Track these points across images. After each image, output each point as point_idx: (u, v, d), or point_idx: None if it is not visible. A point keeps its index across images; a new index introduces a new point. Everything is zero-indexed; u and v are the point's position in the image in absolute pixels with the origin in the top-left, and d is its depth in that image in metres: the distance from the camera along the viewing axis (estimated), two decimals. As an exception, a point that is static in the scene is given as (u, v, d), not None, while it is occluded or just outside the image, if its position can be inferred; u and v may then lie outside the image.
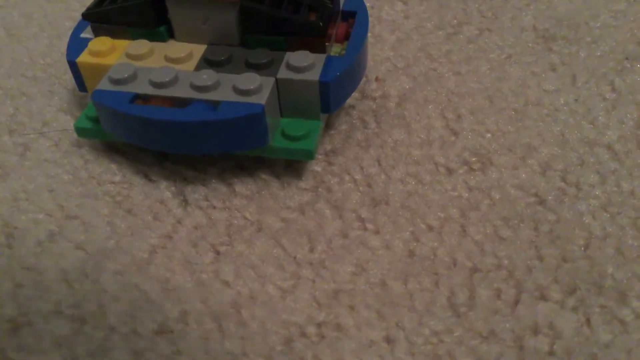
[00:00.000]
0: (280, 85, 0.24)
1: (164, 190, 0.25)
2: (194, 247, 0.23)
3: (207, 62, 0.25)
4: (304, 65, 0.24)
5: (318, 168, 0.26)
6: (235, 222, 0.24)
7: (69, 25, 0.34)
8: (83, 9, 0.35)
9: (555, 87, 0.30)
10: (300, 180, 0.26)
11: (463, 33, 0.33)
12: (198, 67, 0.25)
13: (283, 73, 0.24)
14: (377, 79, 0.30)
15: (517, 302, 0.21)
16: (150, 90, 0.24)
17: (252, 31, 0.25)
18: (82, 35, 0.26)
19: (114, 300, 0.21)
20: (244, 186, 0.25)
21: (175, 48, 0.25)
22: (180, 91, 0.24)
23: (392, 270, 0.22)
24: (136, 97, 0.24)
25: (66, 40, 0.29)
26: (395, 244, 0.23)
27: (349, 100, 0.28)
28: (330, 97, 0.24)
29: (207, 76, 0.24)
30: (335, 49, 0.26)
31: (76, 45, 0.26)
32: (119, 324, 0.21)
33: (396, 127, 0.28)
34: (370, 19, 0.27)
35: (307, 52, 0.24)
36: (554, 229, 0.24)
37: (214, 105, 0.23)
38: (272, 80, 0.24)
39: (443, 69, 0.31)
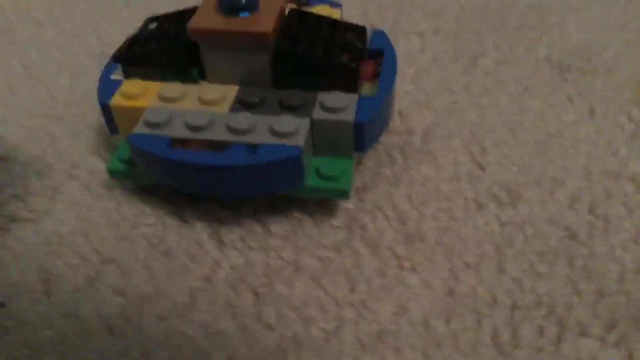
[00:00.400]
0: (315, 126, 0.24)
1: (200, 231, 0.25)
2: (233, 289, 0.23)
3: (241, 104, 0.25)
4: (339, 106, 0.24)
5: (350, 205, 0.26)
6: (272, 262, 0.24)
7: (88, 63, 0.34)
8: (102, 46, 0.35)
9: (574, 119, 0.30)
10: (333, 218, 0.26)
11: (479, 65, 0.34)
12: (232, 109, 0.25)
13: (318, 114, 0.24)
14: (400, 114, 0.30)
15: (559, 339, 0.22)
16: (187, 134, 0.24)
17: (285, 73, 0.25)
18: (113, 77, 0.26)
19: (159, 347, 0.21)
20: (278, 226, 0.25)
21: (208, 90, 0.25)
22: (217, 134, 0.24)
23: (434, 310, 0.22)
24: (174, 141, 0.24)
25: (86, 78, 0.29)
26: (434, 282, 0.23)
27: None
28: (364, 137, 0.25)
29: (244, 119, 0.24)
30: (365, 88, 0.26)
31: (107, 87, 0.26)
32: (166, 372, 0.21)
33: (423, 162, 0.28)
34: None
35: (340, 93, 0.25)
36: (588, 263, 0.24)
37: (252, 148, 0.23)
38: (307, 121, 0.24)
39: (464, 102, 0.31)
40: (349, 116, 0.24)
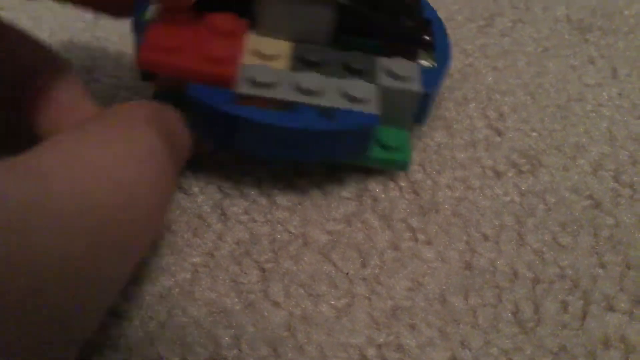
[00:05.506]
0: (380, 93, 0.23)
1: (201, 204, 0.24)
2: (238, 265, 0.22)
3: (301, 61, 0.23)
4: (406, 74, 0.23)
5: (360, 175, 0.25)
6: (279, 236, 0.23)
7: (82, 27, 0.32)
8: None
9: (596, 81, 0.29)
10: (343, 188, 0.24)
11: (496, 25, 0.32)
12: (293, 67, 0.23)
13: (384, 80, 0.23)
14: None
15: (584, 314, 0.20)
16: (252, 90, 0.22)
17: (347, 32, 0.23)
18: (145, 17, 0.23)
19: (160, 326, 0.20)
20: (284, 197, 0.24)
21: (264, 43, 0.23)
22: (286, 93, 0.22)
23: (451, 285, 0.21)
24: (237, 97, 0.21)
25: (78, 43, 0.28)
26: (451, 255, 0.22)
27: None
28: (427, 109, 0.23)
29: (313, 79, 0.22)
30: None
31: (141, 26, 0.22)
32: (169, 353, 0.20)
33: (437, 128, 0.27)
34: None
35: (403, 60, 0.23)
36: (614, 234, 0.23)
37: (324, 111, 0.22)
38: (376, 87, 0.22)
39: (479, 65, 0.30)
40: (416, 86, 0.22)
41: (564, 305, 0.21)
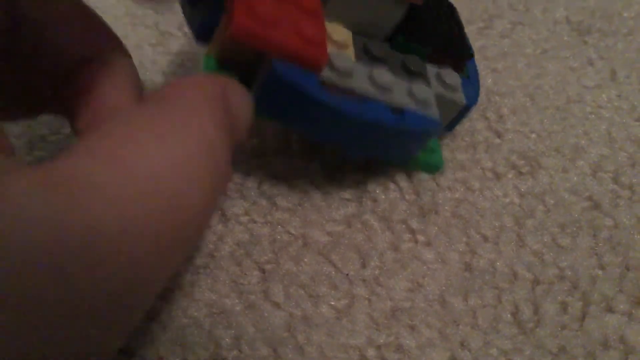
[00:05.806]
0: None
1: (202, 205, 0.24)
2: (238, 265, 0.22)
3: (366, 53, 0.22)
4: (455, 84, 0.23)
5: (360, 176, 0.25)
6: (279, 237, 0.23)
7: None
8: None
9: (596, 83, 0.29)
10: (343, 190, 0.24)
11: (495, 27, 0.32)
12: (358, 58, 0.22)
13: (437, 88, 0.23)
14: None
15: (584, 315, 0.20)
16: (333, 78, 0.21)
17: (405, 35, 0.23)
18: None
19: (161, 328, 0.20)
20: (284, 199, 0.24)
21: (330, 28, 0.22)
22: (362, 86, 0.21)
23: (451, 286, 0.21)
24: (320, 82, 0.21)
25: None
26: (451, 256, 0.22)
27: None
28: (461, 119, 0.24)
29: (384, 75, 0.22)
30: None
31: None
32: (169, 354, 0.20)
33: (437, 130, 0.27)
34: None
35: (450, 70, 0.24)
36: (613, 235, 0.23)
37: (394, 109, 0.21)
38: (433, 93, 0.23)
39: (479, 66, 0.29)
40: (463, 97, 0.23)
41: (564, 306, 0.21)
